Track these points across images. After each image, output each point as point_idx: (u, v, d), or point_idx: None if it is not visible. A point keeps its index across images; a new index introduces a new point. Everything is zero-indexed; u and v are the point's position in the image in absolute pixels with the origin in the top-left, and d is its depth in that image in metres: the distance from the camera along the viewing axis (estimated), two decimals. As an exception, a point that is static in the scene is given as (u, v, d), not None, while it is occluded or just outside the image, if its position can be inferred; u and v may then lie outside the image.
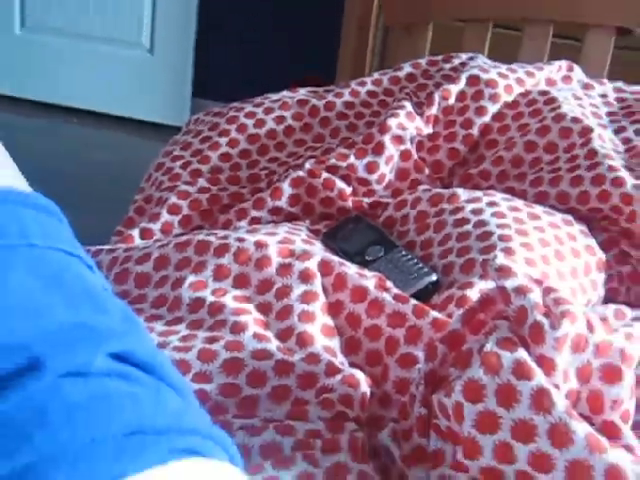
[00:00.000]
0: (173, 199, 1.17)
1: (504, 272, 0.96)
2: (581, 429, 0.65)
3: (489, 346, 0.70)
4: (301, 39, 3.00)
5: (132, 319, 0.45)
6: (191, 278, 0.92)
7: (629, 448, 0.70)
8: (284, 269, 0.92)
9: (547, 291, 0.74)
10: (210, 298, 0.89)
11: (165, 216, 1.15)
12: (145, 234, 1.12)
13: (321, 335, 0.86)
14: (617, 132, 1.25)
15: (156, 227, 1.14)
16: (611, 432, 0.69)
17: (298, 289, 0.90)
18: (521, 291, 0.74)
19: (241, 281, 0.92)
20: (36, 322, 0.39)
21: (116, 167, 2.61)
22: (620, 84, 1.40)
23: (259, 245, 0.94)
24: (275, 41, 3.06)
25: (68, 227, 0.47)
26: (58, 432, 0.36)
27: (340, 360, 0.84)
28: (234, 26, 3.08)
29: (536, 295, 0.73)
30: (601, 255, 1.10)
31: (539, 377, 0.67)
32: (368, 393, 0.80)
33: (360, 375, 0.81)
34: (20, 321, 0.39)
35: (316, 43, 2.84)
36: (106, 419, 0.38)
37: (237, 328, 0.85)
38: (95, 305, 0.43)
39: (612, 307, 1.03)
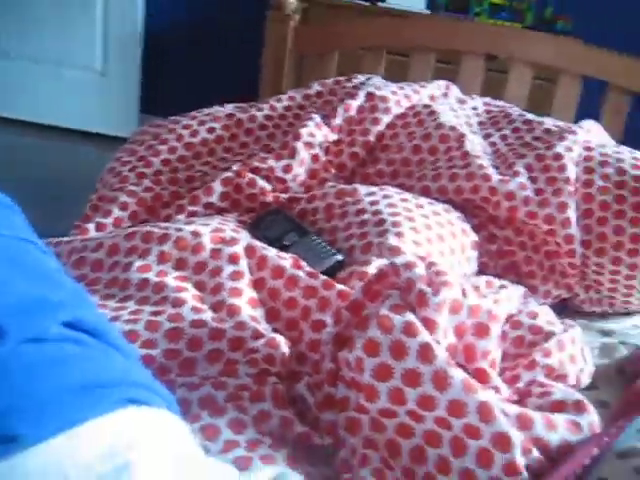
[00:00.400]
0: (123, 197, 1.15)
1: (395, 251, 0.98)
2: (458, 375, 0.67)
3: (384, 311, 0.71)
4: (231, 64, 3.00)
5: (82, 293, 0.44)
6: (138, 262, 0.91)
7: (496, 389, 0.72)
8: (216, 253, 0.91)
9: (430, 266, 0.76)
10: (154, 279, 0.88)
11: (116, 212, 1.13)
12: (100, 227, 1.10)
13: (247, 306, 0.86)
14: (485, 137, 1.28)
15: (109, 221, 1.12)
16: (482, 377, 0.71)
17: (228, 269, 0.89)
18: (408, 266, 0.75)
19: (180, 264, 0.91)
20: None
21: (72, 172, 2.54)
22: (488, 99, 1.44)
23: (195, 234, 0.93)
24: (208, 66, 3.05)
25: (24, 218, 0.46)
26: (21, 386, 0.35)
27: (264, 327, 0.84)
28: (175, 54, 3.07)
29: (421, 269, 0.75)
30: (474, 237, 1.12)
31: (424, 335, 0.69)
32: (287, 352, 0.81)
33: (280, 338, 0.81)
34: None
35: (242, 66, 2.83)
36: (64, 375, 0.37)
37: (177, 303, 0.84)
38: (50, 282, 0.42)
39: (483, 278, 1.06)
